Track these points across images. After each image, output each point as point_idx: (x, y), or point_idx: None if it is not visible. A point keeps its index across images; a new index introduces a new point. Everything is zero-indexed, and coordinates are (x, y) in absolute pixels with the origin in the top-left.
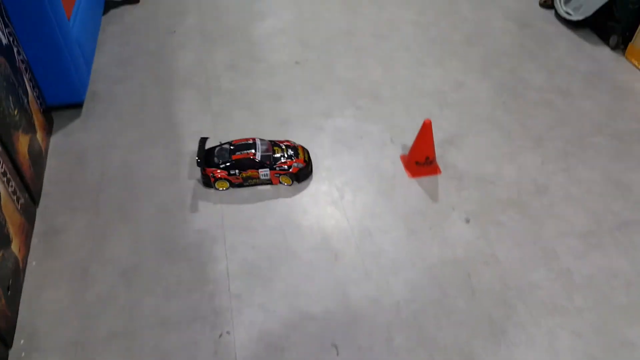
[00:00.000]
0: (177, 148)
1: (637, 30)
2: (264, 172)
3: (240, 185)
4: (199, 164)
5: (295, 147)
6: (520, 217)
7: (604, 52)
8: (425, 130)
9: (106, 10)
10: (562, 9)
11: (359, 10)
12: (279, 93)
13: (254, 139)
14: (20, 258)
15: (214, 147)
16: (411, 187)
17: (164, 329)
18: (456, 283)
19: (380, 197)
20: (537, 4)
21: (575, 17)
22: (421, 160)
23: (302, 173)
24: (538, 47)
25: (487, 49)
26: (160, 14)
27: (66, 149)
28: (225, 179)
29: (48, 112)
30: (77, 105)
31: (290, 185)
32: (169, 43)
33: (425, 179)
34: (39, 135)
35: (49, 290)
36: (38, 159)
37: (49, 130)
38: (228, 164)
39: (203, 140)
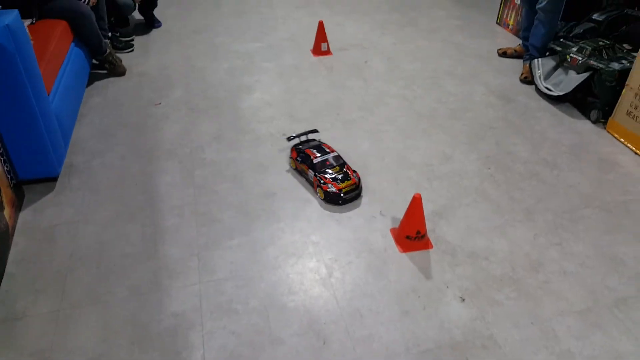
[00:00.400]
0: (155, 223)
1: (616, 106)
2: (311, 173)
3: (299, 173)
4: (290, 138)
5: (348, 178)
6: (517, 295)
7: (585, 126)
8: (415, 205)
9: (90, 82)
10: (542, 85)
11: (346, 84)
12: (265, 165)
13: (335, 151)
14: None
15: (310, 140)
16: (403, 262)
17: None
18: None
19: (370, 274)
20: (517, 81)
21: (556, 92)
22: (412, 234)
23: (330, 197)
24: (521, 121)
25: (472, 123)
26: (145, 86)
27: (35, 226)
28: (294, 160)
29: (19, 186)
30: (52, 179)
31: (322, 199)
32: (153, 115)
33: (417, 254)
34: (7, 212)
35: None
36: (3, 238)
37: (18, 206)
38: (300, 152)
39: (313, 131)
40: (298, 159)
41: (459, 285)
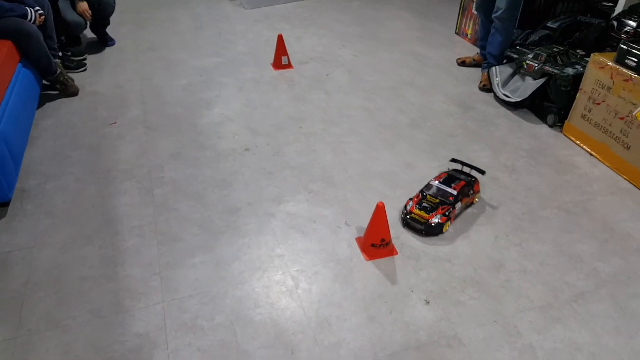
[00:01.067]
0: (114, 244)
1: (572, 109)
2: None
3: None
4: (454, 160)
5: (448, 212)
6: (479, 295)
7: (543, 130)
8: (379, 213)
9: (41, 103)
10: (500, 91)
11: (308, 98)
12: (228, 180)
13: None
14: None
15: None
16: (369, 270)
17: None
18: None
19: (337, 283)
20: (476, 89)
21: (513, 99)
22: (377, 242)
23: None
24: (481, 128)
25: (433, 131)
26: (99, 106)
27: None
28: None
29: None
30: (3, 205)
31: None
32: (109, 135)
33: (383, 261)
34: None
35: None
36: None
37: None
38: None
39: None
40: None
41: (423, 288)
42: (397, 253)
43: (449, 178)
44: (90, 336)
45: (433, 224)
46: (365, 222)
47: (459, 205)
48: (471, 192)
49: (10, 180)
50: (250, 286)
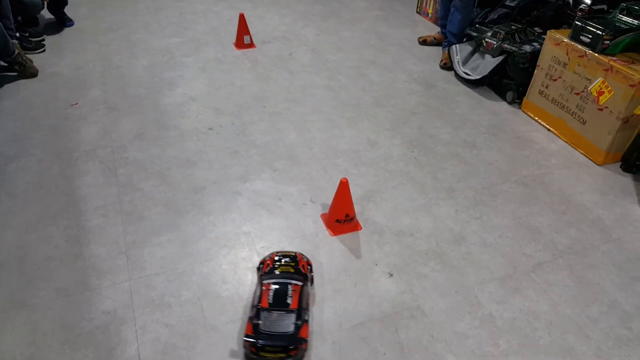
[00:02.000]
0: (79, 224)
1: (529, 86)
2: None
3: None
4: None
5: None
6: (441, 268)
7: (502, 107)
8: (343, 189)
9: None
10: (460, 69)
11: (271, 77)
12: (192, 160)
13: None
14: None
15: None
16: (334, 245)
17: None
18: (385, 340)
19: None
20: (437, 68)
21: (474, 76)
22: (341, 218)
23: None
24: (442, 105)
25: (395, 109)
26: (60, 87)
27: None
28: None
29: None
30: None
31: None
32: (70, 116)
33: (347, 236)
34: None
35: None
36: None
37: None
38: None
39: None
40: None
41: (387, 262)
42: (361, 228)
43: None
44: (57, 314)
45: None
46: (329, 199)
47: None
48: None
49: None
50: (216, 263)
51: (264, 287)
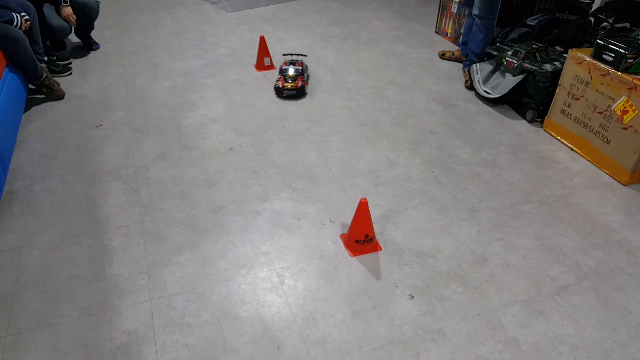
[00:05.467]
0: (102, 244)
1: (551, 105)
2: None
3: None
4: (285, 55)
5: (293, 82)
6: (463, 290)
7: (523, 126)
8: (362, 209)
9: (27, 107)
10: (481, 88)
11: (290, 98)
12: (213, 180)
13: (301, 66)
14: None
15: (298, 56)
16: (353, 266)
17: None
18: None
19: (322, 279)
20: (457, 87)
21: (493, 95)
22: (361, 238)
23: (276, 90)
24: (462, 125)
25: (414, 129)
26: (85, 109)
27: None
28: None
29: None
30: None
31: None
32: (94, 137)
33: (367, 257)
34: None
35: None
36: None
37: None
38: (284, 63)
39: (302, 54)
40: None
41: (407, 283)
42: (381, 249)
43: (291, 62)
44: (79, 334)
45: (300, 86)
46: (349, 218)
47: (305, 75)
48: (306, 67)
49: None
50: (236, 283)
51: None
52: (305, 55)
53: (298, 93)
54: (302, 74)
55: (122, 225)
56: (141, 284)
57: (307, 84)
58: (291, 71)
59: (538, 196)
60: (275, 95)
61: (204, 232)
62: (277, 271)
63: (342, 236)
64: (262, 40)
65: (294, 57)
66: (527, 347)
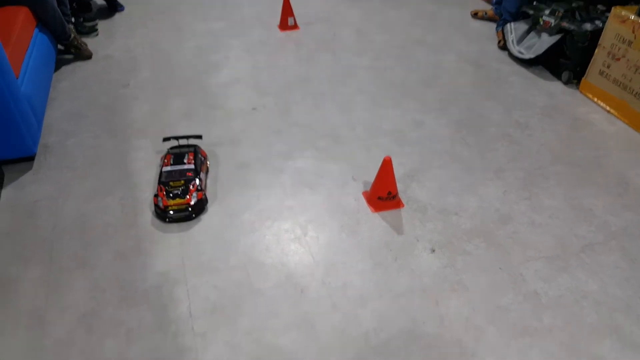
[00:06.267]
0: (134, 196)
1: (589, 66)
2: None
3: None
4: (166, 140)
5: (182, 196)
6: (486, 245)
7: (558, 88)
8: (386, 167)
9: (57, 67)
10: (514, 48)
11: (315, 58)
12: (237, 138)
13: (193, 163)
14: None
15: (188, 145)
16: (375, 221)
17: None
18: (424, 311)
19: (344, 232)
20: (489, 47)
21: (528, 55)
22: (383, 195)
23: (157, 211)
24: (494, 85)
25: (443, 89)
26: (112, 69)
27: (17, 202)
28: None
29: None
30: (29, 159)
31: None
32: (122, 96)
33: (389, 213)
34: None
35: (4, 337)
36: None
37: None
38: (165, 156)
39: (195, 137)
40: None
41: (429, 238)
42: (403, 206)
43: (176, 157)
44: (115, 274)
45: (196, 204)
46: (372, 177)
47: (202, 175)
48: (202, 159)
49: (34, 136)
50: (261, 234)
51: None
52: (200, 137)
53: (193, 212)
54: (196, 175)
55: (152, 180)
56: (172, 232)
57: (205, 188)
58: (173, 173)
59: (570, 157)
60: (155, 217)
61: (229, 188)
62: (300, 224)
63: (365, 193)
64: (286, 0)
65: (182, 144)
66: (548, 300)
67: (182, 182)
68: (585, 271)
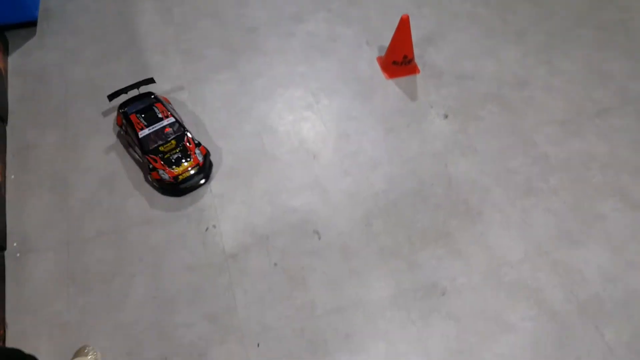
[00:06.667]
0: (142, 60)
1: None
2: (138, 152)
3: (128, 144)
4: (111, 97)
5: (187, 157)
6: (500, 110)
7: None
8: (403, 27)
9: None
10: None
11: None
12: None
13: (170, 115)
14: None
15: (141, 96)
16: (389, 88)
17: (151, 226)
18: (433, 173)
19: (357, 99)
20: None
21: None
22: (399, 59)
23: (165, 187)
24: None
25: None
26: None
27: (26, 68)
28: (120, 127)
29: (1, 32)
30: (31, 24)
31: (157, 189)
32: None
33: (404, 80)
34: None
35: (32, 199)
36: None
37: (4, 51)
38: (125, 117)
39: (146, 82)
40: (122, 128)
41: (443, 104)
42: (419, 72)
43: (145, 115)
44: None
45: (205, 162)
46: (387, 41)
47: (181, 127)
48: (170, 106)
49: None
50: (273, 101)
51: None
52: (153, 81)
53: (207, 173)
54: (183, 129)
55: (159, 44)
56: (183, 98)
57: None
58: (158, 136)
59: (596, 20)
60: (162, 193)
61: (240, 53)
62: (312, 91)
63: (379, 59)
64: None
65: (133, 96)
66: (557, 162)
67: (174, 142)
68: (596, 135)
